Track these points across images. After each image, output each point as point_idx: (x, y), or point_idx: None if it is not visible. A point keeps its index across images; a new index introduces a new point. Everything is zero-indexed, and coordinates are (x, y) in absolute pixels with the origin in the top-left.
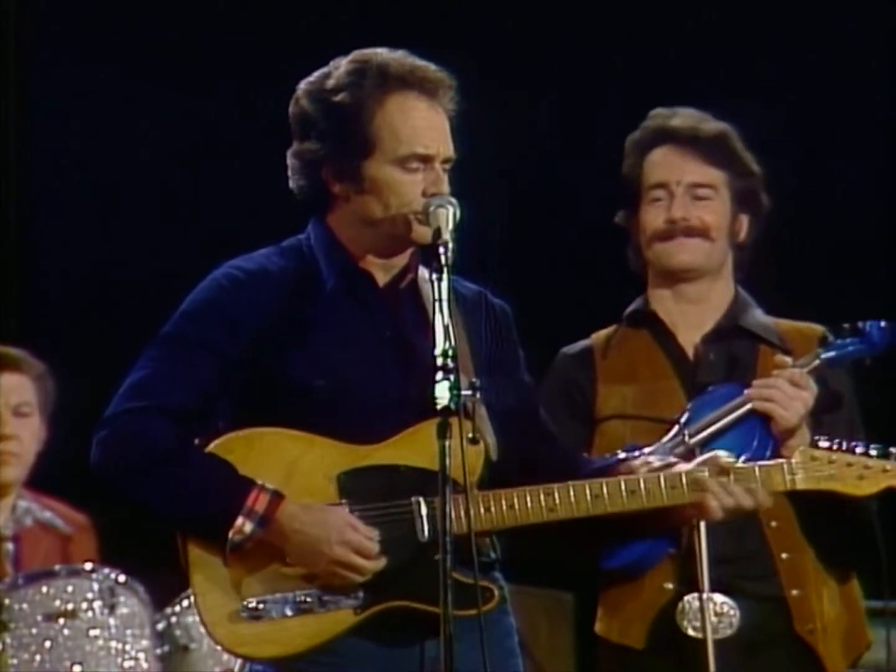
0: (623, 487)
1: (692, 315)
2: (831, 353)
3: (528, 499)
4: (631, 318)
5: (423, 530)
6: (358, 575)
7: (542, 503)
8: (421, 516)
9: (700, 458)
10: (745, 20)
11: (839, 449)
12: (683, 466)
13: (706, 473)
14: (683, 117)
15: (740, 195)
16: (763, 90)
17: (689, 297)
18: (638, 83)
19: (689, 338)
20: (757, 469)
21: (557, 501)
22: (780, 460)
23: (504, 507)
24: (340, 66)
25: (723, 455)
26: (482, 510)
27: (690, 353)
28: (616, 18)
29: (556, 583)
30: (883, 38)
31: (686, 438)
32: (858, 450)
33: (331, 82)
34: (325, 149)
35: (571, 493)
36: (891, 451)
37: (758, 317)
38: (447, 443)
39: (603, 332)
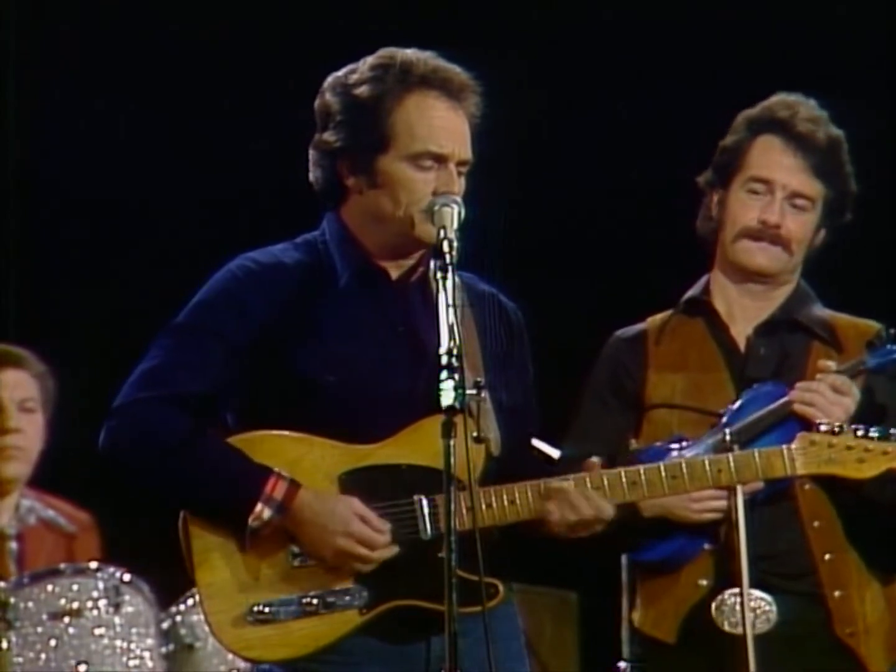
0: (624, 479)
1: (751, 310)
2: (876, 360)
3: (529, 493)
4: (687, 306)
5: (426, 529)
6: (363, 564)
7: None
8: (423, 515)
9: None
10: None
11: (839, 433)
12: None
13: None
14: (806, 117)
15: (831, 211)
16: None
17: (754, 294)
18: (642, 81)
19: (742, 330)
20: (757, 455)
21: None
22: (780, 446)
23: (505, 503)
24: (366, 62)
25: None
26: (483, 506)
27: (742, 345)
28: (619, 18)
29: (561, 582)
30: None
31: (726, 437)
32: (858, 433)
33: (354, 76)
34: (342, 141)
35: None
36: (891, 433)
37: (814, 311)
38: (452, 442)
39: (658, 317)
